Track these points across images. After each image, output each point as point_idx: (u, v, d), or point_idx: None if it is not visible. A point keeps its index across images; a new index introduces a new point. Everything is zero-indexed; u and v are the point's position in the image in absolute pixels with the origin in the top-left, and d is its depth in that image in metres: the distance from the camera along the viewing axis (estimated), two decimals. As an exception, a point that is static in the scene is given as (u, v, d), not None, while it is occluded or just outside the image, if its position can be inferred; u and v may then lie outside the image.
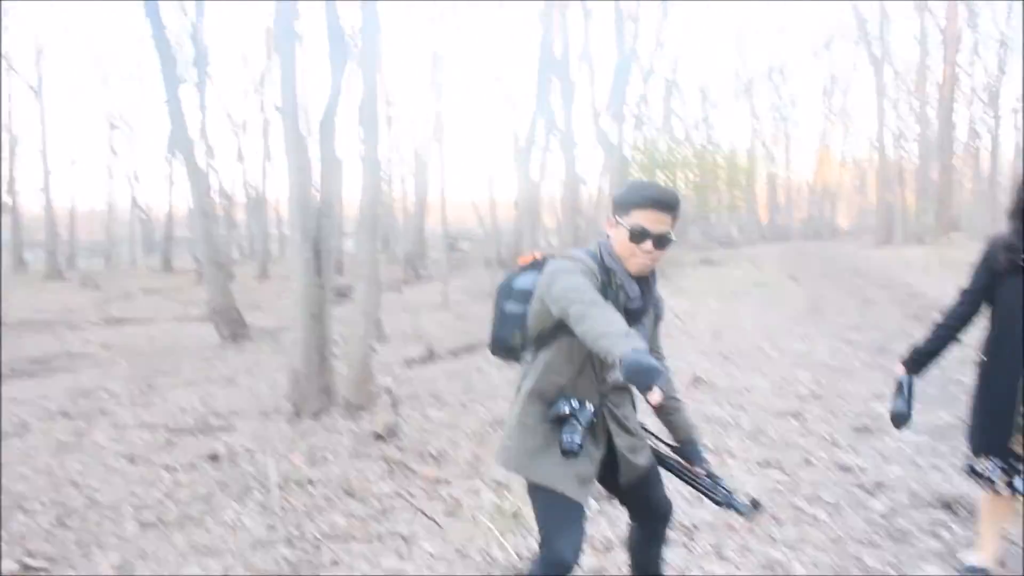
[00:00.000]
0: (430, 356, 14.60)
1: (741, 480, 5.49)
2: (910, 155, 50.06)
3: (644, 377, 2.47)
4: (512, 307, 3.25)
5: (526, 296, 3.20)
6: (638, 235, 3.01)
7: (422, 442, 9.51)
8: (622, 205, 3.09)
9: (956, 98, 39.21)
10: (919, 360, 4.12)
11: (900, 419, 4.02)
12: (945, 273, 21.56)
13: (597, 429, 3.14)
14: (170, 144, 33.17)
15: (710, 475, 3.31)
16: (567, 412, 3.00)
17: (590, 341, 2.70)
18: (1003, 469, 3.93)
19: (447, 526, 4.78)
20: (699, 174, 32.50)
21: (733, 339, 11.29)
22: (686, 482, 3.38)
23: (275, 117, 27.16)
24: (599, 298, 2.80)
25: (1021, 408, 3.83)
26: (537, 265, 3.24)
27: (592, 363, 3.08)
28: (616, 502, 4.85)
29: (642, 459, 3.28)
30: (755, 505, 3.23)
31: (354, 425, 10.53)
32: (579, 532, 3.10)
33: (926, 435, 6.69)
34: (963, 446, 6.24)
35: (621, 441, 3.20)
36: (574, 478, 3.06)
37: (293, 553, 6.28)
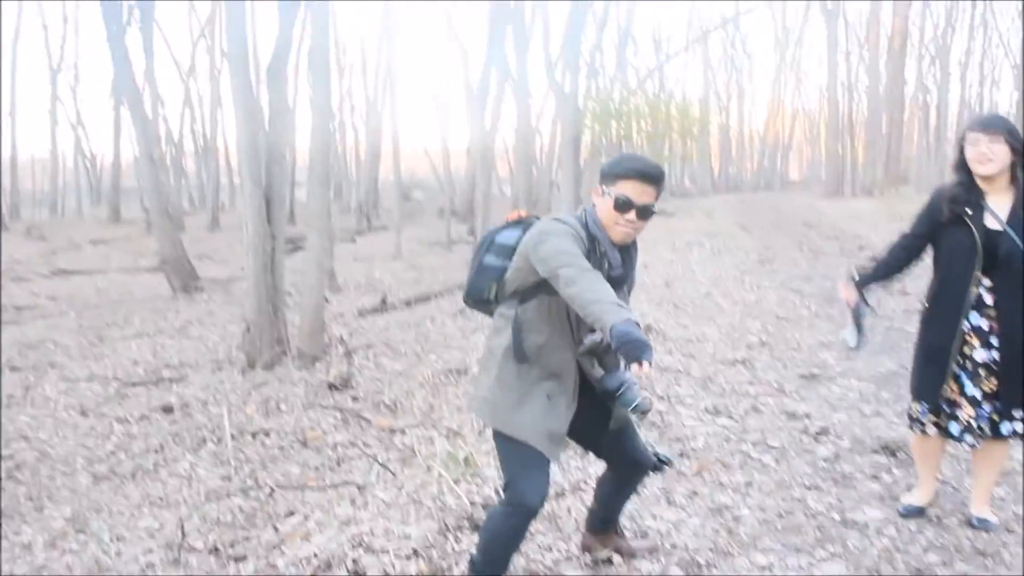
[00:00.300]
0: (384, 306, 14.59)
1: (691, 427, 5.60)
2: (860, 108, 50.54)
3: (635, 349, 2.60)
4: (491, 260, 3.28)
5: (506, 251, 3.24)
6: (623, 205, 3.08)
7: (376, 392, 9.55)
8: (609, 175, 3.14)
9: (906, 52, 39.58)
10: (862, 281, 4.26)
11: (853, 344, 4.25)
12: (893, 225, 21.84)
13: (572, 388, 3.19)
14: (114, 89, 32.35)
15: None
16: (617, 386, 3.13)
17: (579, 305, 2.79)
18: (934, 412, 4.03)
19: (401, 474, 4.84)
20: (652, 124, 32.49)
21: (685, 289, 11.40)
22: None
23: (224, 63, 26.66)
24: (589, 265, 2.90)
25: (957, 355, 3.91)
26: (522, 223, 3.29)
27: (569, 323, 3.14)
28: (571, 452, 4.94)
29: (620, 412, 3.30)
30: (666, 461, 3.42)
31: (308, 375, 10.53)
32: (545, 478, 3.17)
33: (870, 382, 6.85)
34: (905, 393, 6.45)
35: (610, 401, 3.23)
36: (547, 435, 3.12)
37: (247, 503, 6.31)
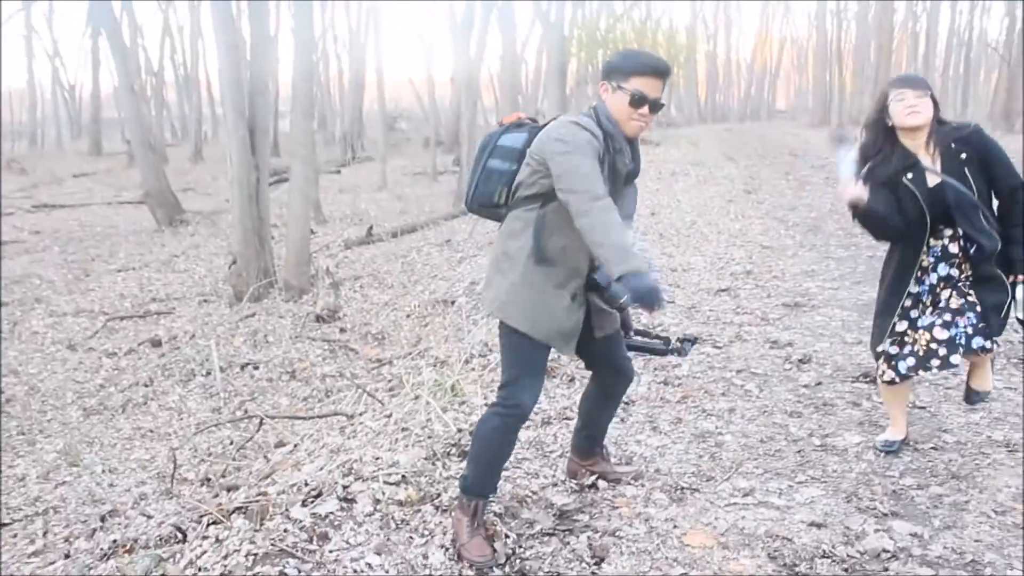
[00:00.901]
0: (370, 237, 14.57)
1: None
2: (849, 35, 50.02)
3: (649, 299, 2.80)
4: (497, 164, 3.32)
5: (513, 154, 3.28)
6: (638, 100, 3.14)
7: (364, 323, 9.60)
8: (621, 71, 3.18)
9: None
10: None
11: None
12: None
13: (580, 291, 3.29)
14: (90, 19, 31.66)
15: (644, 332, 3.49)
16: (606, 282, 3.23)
17: (590, 242, 2.94)
18: (885, 361, 4.09)
19: (389, 404, 4.91)
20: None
21: (670, 218, 11.43)
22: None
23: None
24: (603, 193, 2.98)
25: (902, 311, 4.00)
26: (524, 125, 3.35)
27: None
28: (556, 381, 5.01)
29: (613, 318, 3.44)
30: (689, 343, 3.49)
31: (295, 307, 10.57)
32: (540, 384, 3.33)
33: (853, 311, 6.92)
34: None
35: (597, 298, 3.35)
36: (567, 334, 3.26)
37: (237, 434, 6.40)
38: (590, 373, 3.67)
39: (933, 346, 3.89)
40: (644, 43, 32.28)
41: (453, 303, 8.65)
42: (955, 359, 3.86)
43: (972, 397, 4.23)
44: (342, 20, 41.11)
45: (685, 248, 9.54)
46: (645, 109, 3.17)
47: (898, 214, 3.92)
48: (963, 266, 3.92)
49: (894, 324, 4.02)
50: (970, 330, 3.84)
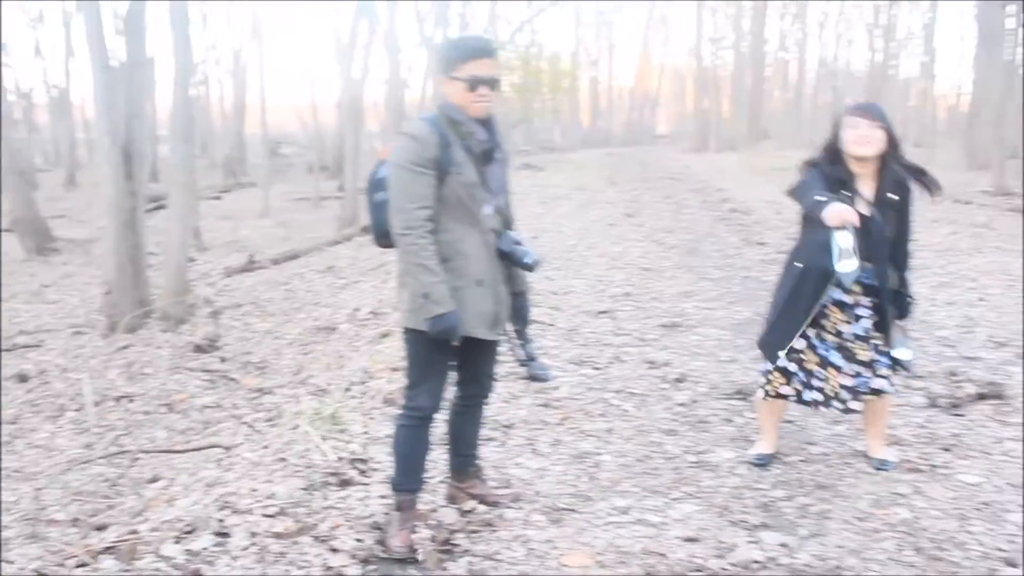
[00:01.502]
0: (251, 264, 14.30)
1: (555, 376, 5.74)
2: (726, 64, 51.72)
3: (448, 335, 3.28)
4: (381, 196, 3.52)
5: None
6: (474, 83, 3.33)
7: (244, 352, 9.42)
8: (452, 61, 3.36)
9: (767, 11, 40.65)
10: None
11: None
12: (754, 179, 22.66)
13: (493, 269, 3.48)
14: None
15: (523, 335, 3.55)
16: (507, 248, 3.47)
17: (400, 270, 3.33)
18: (781, 372, 4.24)
19: (268, 434, 4.83)
20: (523, 77, 32.52)
21: (552, 242, 11.56)
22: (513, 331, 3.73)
23: (77, 10, 25.27)
24: (417, 222, 3.27)
25: (809, 324, 4.10)
26: None
27: (468, 207, 3.39)
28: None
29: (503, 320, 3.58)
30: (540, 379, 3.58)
31: (173, 337, 10.28)
32: (442, 385, 3.50)
33: (727, 330, 7.15)
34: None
35: (501, 289, 3.54)
36: (490, 318, 3.47)
37: (111, 470, 6.18)
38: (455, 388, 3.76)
39: (842, 392, 4.17)
40: (528, 69, 32.71)
41: (335, 330, 8.57)
42: (856, 405, 4.21)
43: (882, 466, 4.30)
44: (225, 42, 40.44)
45: (566, 271, 9.67)
46: (484, 89, 3.35)
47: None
48: (858, 299, 4.06)
49: (790, 337, 4.12)
50: (871, 376, 4.16)
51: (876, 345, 4.14)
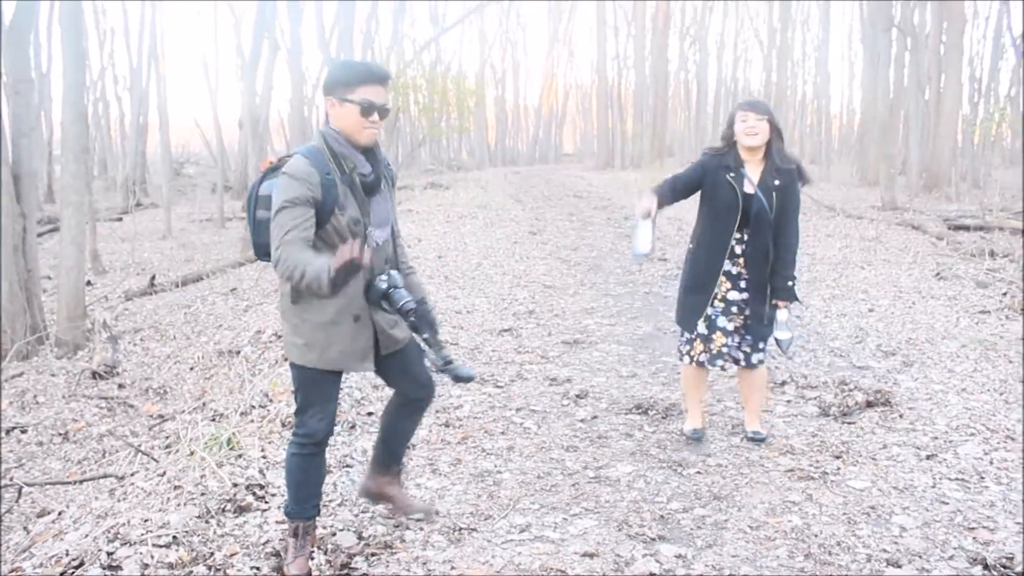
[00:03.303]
0: (152, 288, 13.94)
1: (456, 396, 5.74)
2: (629, 82, 52.63)
3: (344, 276, 3.00)
4: (262, 214, 3.39)
5: (269, 203, 3.31)
6: (367, 108, 3.24)
7: (144, 378, 9.18)
8: (345, 84, 3.26)
9: (669, 32, 41.55)
10: (660, 192, 4.64)
11: (647, 251, 4.56)
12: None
13: (364, 311, 3.38)
14: None
15: (435, 341, 3.49)
16: (384, 287, 3.33)
17: (291, 279, 3.15)
18: (696, 340, 4.80)
19: (164, 461, 4.71)
20: (429, 96, 32.51)
21: (456, 261, 11.57)
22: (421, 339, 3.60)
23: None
24: (279, 251, 3.15)
25: (716, 293, 4.71)
26: (276, 169, 3.38)
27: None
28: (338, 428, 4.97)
29: (399, 332, 3.51)
30: (464, 378, 3.54)
31: (69, 364, 9.97)
32: (330, 409, 3.44)
33: (628, 345, 7.26)
34: (659, 354, 6.90)
35: (380, 318, 3.43)
36: (357, 355, 3.39)
37: (-1, 503, 5.95)
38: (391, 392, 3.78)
39: (723, 352, 4.79)
40: (434, 88, 32.72)
41: (239, 353, 8.42)
42: (727, 366, 4.89)
43: (754, 437, 4.94)
44: (122, 59, 39.44)
45: (470, 290, 9.70)
46: (375, 116, 3.28)
47: (690, 187, 4.70)
48: (745, 267, 4.70)
49: (700, 310, 4.74)
50: (748, 348, 4.79)
51: (747, 317, 4.75)
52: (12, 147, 10.44)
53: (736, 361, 4.86)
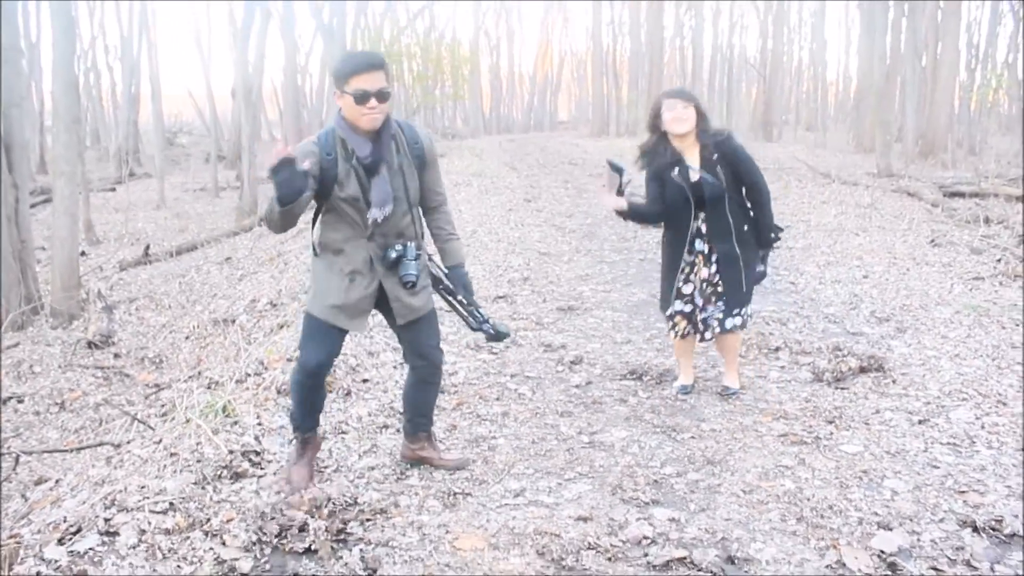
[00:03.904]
0: (147, 257, 13.93)
1: (452, 363, 5.74)
2: (624, 49, 52.33)
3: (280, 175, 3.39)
4: None
5: None
6: (361, 97, 3.52)
7: (140, 347, 9.19)
8: (341, 77, 3.57)
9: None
10: (631, 211, 4.91)
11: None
12: (636, 161, 22.98)
13: (369, 269, 3.74)
14: None
15: (470, 302, 3.94)
16: (395, 256, 3.70)
17: (265, 216, 3.60)
18: (678, 316, 5.08)
19: (160, 429, 4.73)
20: (423, 64, 32.39)
21: (453, 229, 11.55)
22: (451, 305, 4.01)
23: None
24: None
25: (684, 275, 5.00)
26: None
27: (360, 220, 3.68)
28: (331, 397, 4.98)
29: (416, 301, 3.83)
30: (502, 335, 4.00)
31: (64, 334, 9.97)
32: (321, 349, 3.77)
33: (623, 312, 7.28)
34: (654, 320, 6.93)
35: (390, 285, 3.76)
36: (344, 311, 3.74)
37: (-5, 472, 5.98)
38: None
39: (701, 324, 5.02)
40: (428, 56, 32.59)
41: (234, 322, 8.43)
42: (709, 335, 5.04)
43: (725, 392, 5.14)
44: (113, 28, 39.08)
45: (465, 257, 9.70)
46: (372, 102, 3.55)
47: (660, 202, 4.88)
48: (711, 243, 4.91)
49: (679, 287, 5.01)
50: (720, 315, 4.99)
51: (718, 289, 4.97)
52: (3, 117, 10.37)
53: (712, 329, 5.04)
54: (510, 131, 56.14)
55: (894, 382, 5.32)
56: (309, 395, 3.86)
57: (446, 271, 4.00)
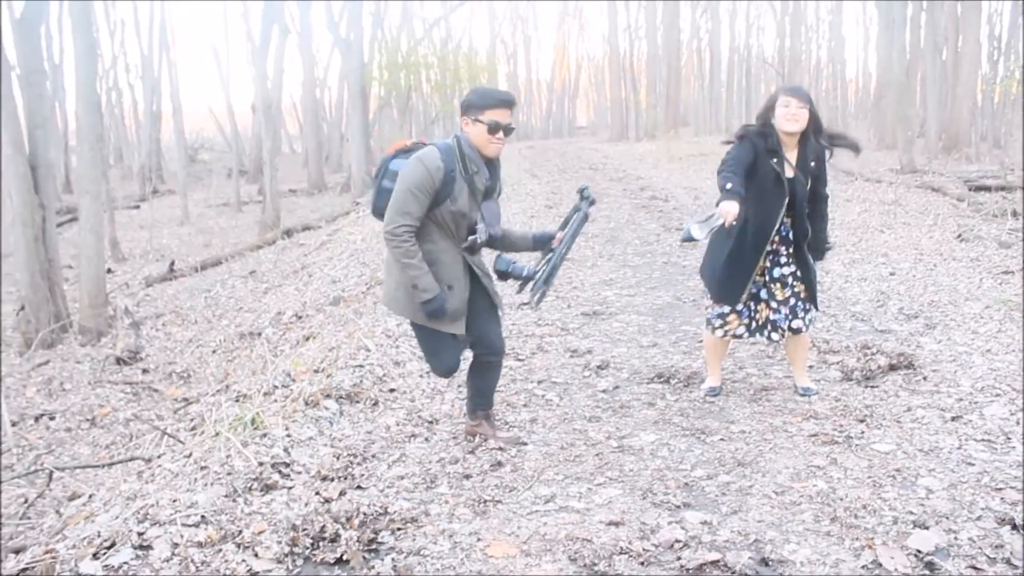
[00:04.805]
0: (172, 273, 14.05)
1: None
2: (641, 53, 52.24)
3: (436, 308, 4.13)
4: (387, 184, 4.16)
5: (395, 176, 4.09)
6: (494, 128, 4.02)
7: (168, 362, 9.27)
8: (478, 107, 4.02)
9: (680, 1, 41.20)
10: (738, 193, 4.54)
11: (701, 237, 4.58)
12: (672, 165, 22.97)
13: (463, 276, 4.21)
14: None
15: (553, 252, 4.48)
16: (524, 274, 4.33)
17: (403, 266, 4.05)
18: (734, 314, 4.98)
19: (190, 443, 4.75)
20: (440, 74, 32.48)
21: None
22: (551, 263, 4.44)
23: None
24: (399, 228, 4.00)
25: (758, 273, 4.90)
26: (410, 151, 4.18)
27: (453, 229, 4.12)
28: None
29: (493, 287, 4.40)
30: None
31: (93, 351, 10.08)
32: (451, 352, 4.30)
33: (648, 315, 7.25)
34: (679, 323, 6.89)
35: (480, 273, 4.31)
36: (450, 317, 4.17)
37: (31, 490, 6.04)
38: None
39: (767, 324, 4.98)
40: (446, 66, 32.64)
41: (260, 335, 8.48)
42: (776, 336, 5.02)
43: (806, 393, 5.12)
44: (134, 47, 39.49)
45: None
46: (501, 134, 4.04)
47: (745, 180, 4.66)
48: (782, 244, 4.90)
49: (743, 286, 4.89)
50: (797, 316, 4.95)
51: (794, 289, 4.94)
52: (28, 138, 10.50)
53: (783, 331, 5.01)
54: (529, 138, 56.15)
55: (925, 379, 5.26)
56: (473, 383, 4.51)
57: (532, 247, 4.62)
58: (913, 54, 24.19)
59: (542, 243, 4.55)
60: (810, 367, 5.64)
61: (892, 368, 5.42)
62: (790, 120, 4.69)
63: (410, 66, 29.37)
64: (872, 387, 5.18)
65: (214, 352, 9.01)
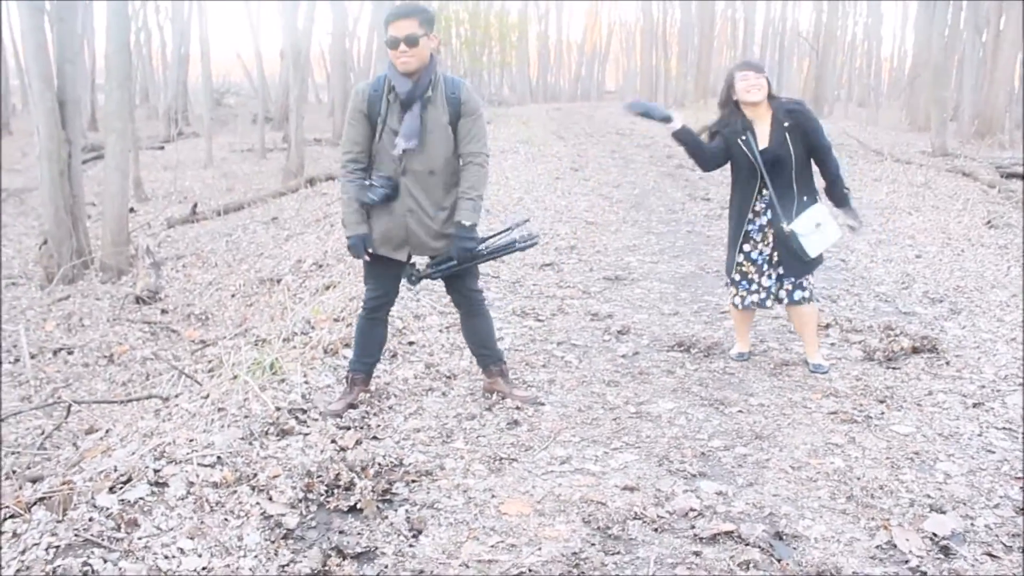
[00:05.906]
0: (194, 215, 14.06)
1: (496, 327, 5.70)
2: (674, 20, 51.68)
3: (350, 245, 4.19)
4: None
5: None
6: (391, 42, 3.99)
7: (187, 304, 9.29)
8: (384, 26, 4.03)
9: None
10: (683, 132, 5.09)
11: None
12: (701, 136, 22.68)
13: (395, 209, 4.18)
14: None
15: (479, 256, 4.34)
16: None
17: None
18: (735, 286, 5.16)
19: (207, 384, 4.76)
20: (471, 30, 32.22)
21: (498, 195, 11.44)
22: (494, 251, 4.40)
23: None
24: (345, 161, 4.17)
25: (748, 244, 5.06)
26: None
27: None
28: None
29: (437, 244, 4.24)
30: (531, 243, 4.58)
31: (113, 289, 10.12)
32: (382, 285, 4.27)
33: (671, 283, 7.20)
34: (702, 293, 6.86)
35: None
36: (394, 245, 4.16)
37: (48, 421, 6.08)
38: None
39: (770, 291, 5.07)
40: (476, 23, 32.39)
41: (279, 281, 8.48)
42: (769, 303, 5.10)
43: (817, 370, 5.11)
44: (164, -11, 39.24)
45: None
46: (402, 46, 3.96)
47: (721, 159, 5.06)
48: (773, 214, 4.95)
49: (739, 257, 5.09)
50: (789, 287, 5.04)
51: (773, 258, 5.05)
52: (58, 72, 10.47)
53: (779, 300, 5.10)
54: (557, 99, 55.73)
55: (947, 364, 5.21)
56: (368, 335, 4.33)
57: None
58: (952, 34, 23.76)
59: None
60: (831, 344, 5.60)
61: (915, 351, 5.37)
62: (752, 91, 4.89)
63: (441, 20, 29.09)
64: (894, 368, 5.13)
65: (233, 296, 9.02)
